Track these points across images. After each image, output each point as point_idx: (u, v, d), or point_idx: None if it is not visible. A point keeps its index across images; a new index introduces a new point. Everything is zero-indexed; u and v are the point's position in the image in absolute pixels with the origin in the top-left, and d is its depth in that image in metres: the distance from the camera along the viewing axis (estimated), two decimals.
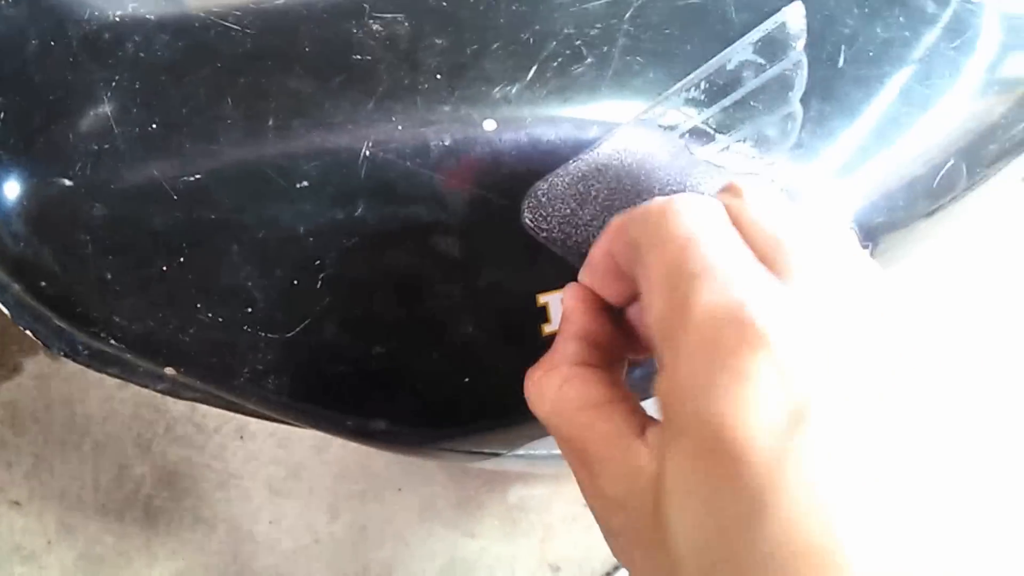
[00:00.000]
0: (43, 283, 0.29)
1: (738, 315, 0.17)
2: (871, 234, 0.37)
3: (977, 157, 0.40)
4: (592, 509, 0.22)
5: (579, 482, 0.23)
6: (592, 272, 0.25)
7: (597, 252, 0.25)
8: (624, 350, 0.26)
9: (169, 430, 0.52)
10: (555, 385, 0.23)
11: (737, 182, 0.22)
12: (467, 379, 0.35)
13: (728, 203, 0.21)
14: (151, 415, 0.53)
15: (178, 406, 0.53)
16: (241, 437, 0.53)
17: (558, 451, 0.44)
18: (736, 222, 0.21)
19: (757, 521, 0.15)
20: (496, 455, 0.43)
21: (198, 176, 0.29)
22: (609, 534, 0.22)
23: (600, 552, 0.55)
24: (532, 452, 0.45)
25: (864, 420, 0.15)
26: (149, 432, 0.52)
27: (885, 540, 0.14)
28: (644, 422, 0.21)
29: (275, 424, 0.52)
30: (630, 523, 0.20)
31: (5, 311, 0.31)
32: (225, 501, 0.51)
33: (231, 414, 0.51)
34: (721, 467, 0.15)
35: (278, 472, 0.53)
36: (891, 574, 0.14)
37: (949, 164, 0.38)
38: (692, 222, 0.20)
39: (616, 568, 0.55)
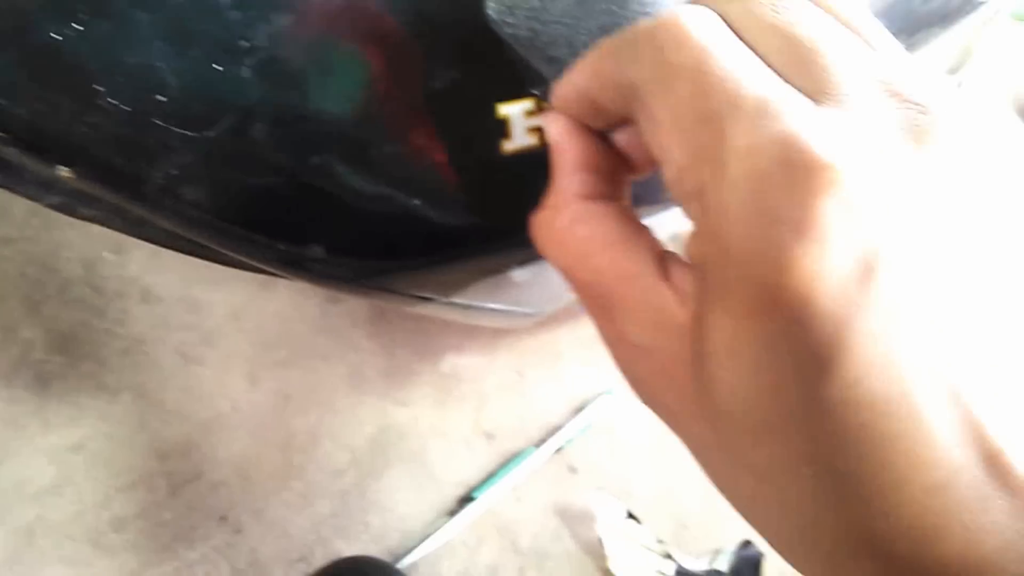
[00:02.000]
0: None
1: (794, 150, 0.14)
2: None
3: None
4: (612, 354, 0.20)
5: (598, 327, 0.21)
6: (567, 109, 0.22)
7: (570, 91, 0.22)
8: (625, 171, 0.23)
9: (63, 291, 0.47)
10: (564, 225, 0.21)
11: None
12: (416, 201, 0.31)
13: (726, 9, 0.18)
14: (40, 274, 0.47)
15: (71, 266, 0.48)
16: (146, 301, 0.48)
17: (494, 304, 0.40)
18: (744, 34, 0.18)
19: (822, 378, 0.13)
20: (430, 300, 0.40)
21: None
22: (633, 381, 0.20)
23: (535, 420, 0.54)
24: (468, 302, 0.42)
25: (936, 271, 0.14)
26: (38, 293, 0.46)
27: (957, 394, 0.13)
28: (667, 260, 0.19)
29: (184, 288, 0.47)
30: (660, 370, 0.18)
31: None
32: (130, 367, 0.46)
33: (133, 275, 0.46)
34: (781, 326, 0.14)
35: (189, 338, 0.48)
36: (963, 426, 0.13)
37: None
38: (702, 44, 0.17)
39: (550, 434, 0.53)
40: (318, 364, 0.50)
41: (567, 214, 0.21)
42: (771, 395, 0.14)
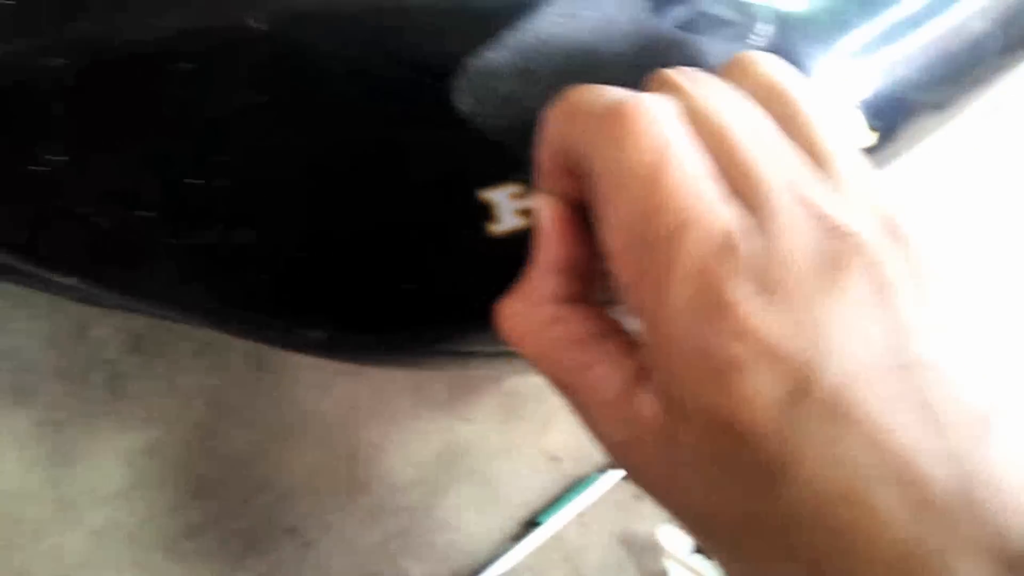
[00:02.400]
0: None
1: (713, 291, 0.16)
2: (883, 116, 0.33)
3: (1019, 26, 0.36)
4: (591, 437, 0.21)
5: (579, 419, 0.21)
6: (546, 177, 0.22)
7: (543, 156, 0.22)
8: (600, 263, 0.22)
9: None
10: (538, 326, 0.21)
11: (677, 75, 0.20)
12: (407, 285, 0.30)
13: (687, 98, 0.19)
14: None
15: None
16: None
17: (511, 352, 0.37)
18: (697, 127, 0.18)
19: (775, 487, 0.15)
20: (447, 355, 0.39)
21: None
22: (613, 457, 0.21)
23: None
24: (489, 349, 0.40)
25: (861, 373, 0.15)
26: None
27: (900, 475, 0.14)
28: (642, 361, 0.19)
29: None
30: (636, 462, 0.19)
31: None
32: (203, 371, 0.45)
33: None
34: (732, 446, 0.16)
35: (261, 345, 0.47)
36: (911, 504, 0.14)
37: (983, 32, 0.34)
38: (658, 148, 0.17)
39: None
40: (384, 375, 0.50)
41: (543, 314, 0.21)
42: (738, 504, 0.16)
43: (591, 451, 0.53)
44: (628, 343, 0.20)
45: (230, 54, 0.24)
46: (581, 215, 0.22)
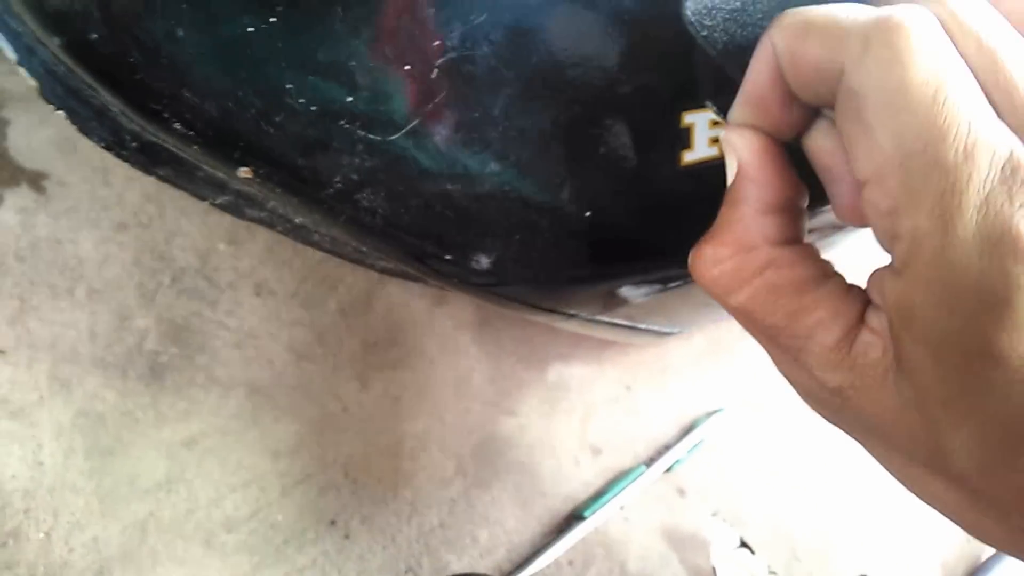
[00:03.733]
0: (92, 36, 0.22)
1: (1006, 225, 0.15)
2: None
3: None
4: (799, 392, 0.21)
5: (780, 367, 0.21)
6: (756, 104, 0.21)
7: (761, 74, 0.20)
8: (804, 198, 0.22)
9: (176, 281, 0.46)
10: (750, 272, 0.20)
11: None
12: (588, 212, 0.30)
13: (941, 14, 0.17)
14: (155, 263, 0.46)
15: (185, 255, 0.47)
16: (258, 294, 0.47)
17: (633, 323, 0.37)
18: (960, 38, 0.16)
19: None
20: (575, 316, 0.39)
21: None
22: (827, 416, 0.20)
23: (643, 437, 0.52)
24: (612, 320, 0.40)
25: None
26: (152, 282, 0.46)
27: None
28: (860, 300, 0.19)
29: (297, 283, 0.46)
30: (857, 405, 0.18)
31: (32, 82, 0.24)
32: (243, 362, 0.45)
33: (247, 267, 0.45)
34: (983, 383, 0.15)
35: (302, 335, 0.47)
36: None
37: None
38: (935, 69, 0.15)
39: (658, 451, 0.51)
40: (427, 368, 0.49)
41: (754, 259, 0.20)
42: (977, 446, 0.15)
43: (633, 443, 0.51)
44: (845, 284, 0.19)
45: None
46: (786, 158, 0.21)
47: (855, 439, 0.20)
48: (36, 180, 0.45)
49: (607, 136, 0.28)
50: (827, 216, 0.28)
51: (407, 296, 0.50)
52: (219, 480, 0.42)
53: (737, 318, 0.21)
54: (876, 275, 0.18)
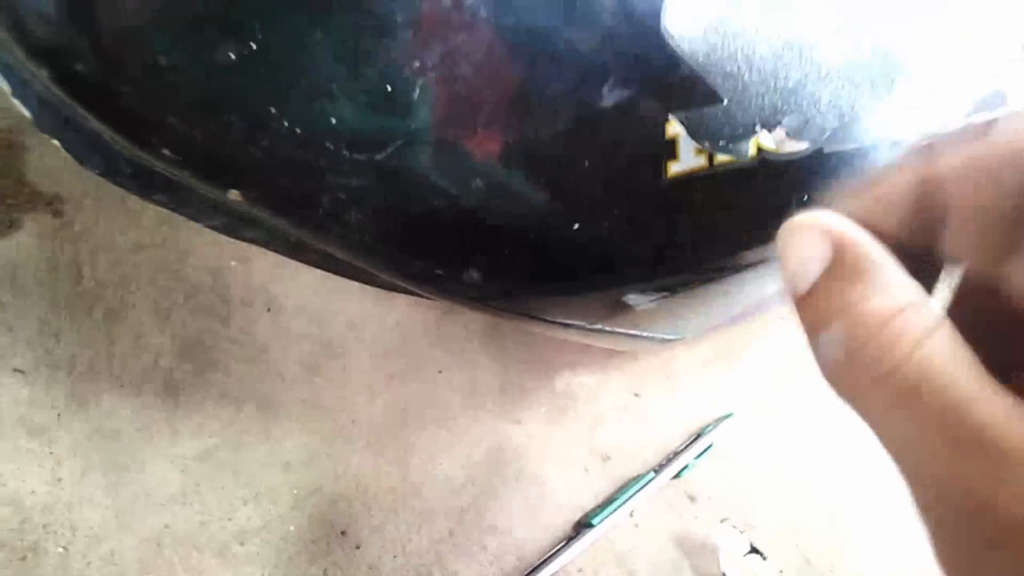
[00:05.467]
0: (80, 67, 0.23)
1: None
2: None
3: None
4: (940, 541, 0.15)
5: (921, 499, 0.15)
6: (875, 205, 0.16)
7: (898, 183, 0.16)
8: None
9: (189, 299, 0.47)
10: (911, 337, 0.14)
11: None
12: (576, 224, 0.30)
13: None
14: (169, 282, 0.47)
15: (198, 274, 0.48)
16: (269, 310, 0.48)
17: (633, 331, 0.37)
18: None
19: None
20: (574, 326, 0.39)
21: None
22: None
23: (652, 443, 0.52)
24: (610, 328, 0.40)
25: None
26: (167, 300, 0.47)
27: None
28: None
29: (306, 298, 0.47)
30: None
31: (27, 114, 0.26)
32: (254, 377, 0.46)
33: (257, 284, 0.46)
34: None
35: (311, 349, 0.48)
36: None
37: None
38: None
39: (668, 458, 0.51)
40: (435, 377, 0.50)
41: (915, 320, 0.14)
42: None
43: (642, 450, 0.52)
44: None
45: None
46: None
47: None
48: (54, 204, 0.47)
49: (591, 149, 0.28)
50: None
51: (415, 305, 0.51)
52: (231, 493, 0.43)
53: (867, 415, 0.15)
54: None
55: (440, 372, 0.50)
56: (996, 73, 0.32)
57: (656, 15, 0.26)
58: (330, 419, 0.46)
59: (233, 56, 0.23)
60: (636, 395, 0.53)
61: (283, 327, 0.48)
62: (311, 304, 0.49)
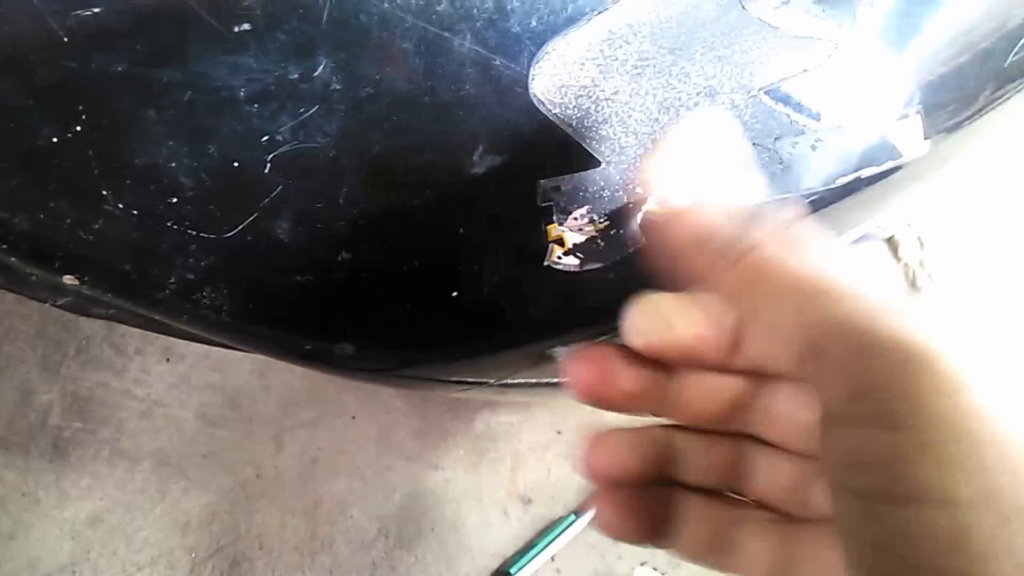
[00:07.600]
0: None
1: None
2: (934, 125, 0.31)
3: None
4: None
5: None
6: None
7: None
8: None
9: (81, 351, 0.45)
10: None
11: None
12: (453, 292, 0.29)
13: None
14: (59, 334, 0.45)
15: (92, 324, 0.46)
16: (168, 359, 0.46)
17: (545, 379, 0.36)
18: None
19: None
20: (471, 384, 0.38)
21: (96, 9, 0.21)
22: None
23: (574, 482, 0.51)
24: (510, 381, 0.39)
25: None
26: (58, 353, 0.44)
27: None
28: None
29: (209, 346, 0.45)
30: None
31: None
32: (150, 432, 0.44)
33: (154, 332, 0.44)
34: None
35: (213, 399, 0.46)
36: None
37: None
38: None
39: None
40: (347, 424, 0.48)
41: None
42: None
43: (564, 491, 0.50)
44: None
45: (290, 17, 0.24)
46: None
47: None
48: None
49: (461, 217, 0.27)
50: None
51: None
52: (125, 558, 0.41)
53: None
54: None
55: (353, 418, 0.48)
56: (885, 125, 0.31)
57: (524, 82, 0.25)
58: (232, 474, 0.44)
59: (55, 139, 0.21)
60: (559, 432, 0.52)
61: (182, 377, 0.46)
62: (213, 352, 0.47)
